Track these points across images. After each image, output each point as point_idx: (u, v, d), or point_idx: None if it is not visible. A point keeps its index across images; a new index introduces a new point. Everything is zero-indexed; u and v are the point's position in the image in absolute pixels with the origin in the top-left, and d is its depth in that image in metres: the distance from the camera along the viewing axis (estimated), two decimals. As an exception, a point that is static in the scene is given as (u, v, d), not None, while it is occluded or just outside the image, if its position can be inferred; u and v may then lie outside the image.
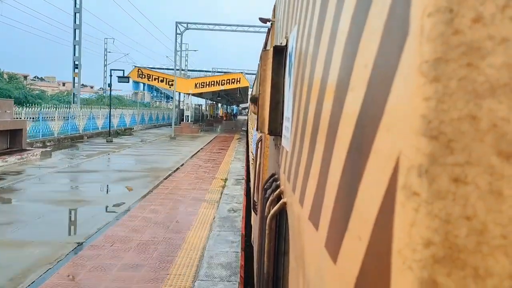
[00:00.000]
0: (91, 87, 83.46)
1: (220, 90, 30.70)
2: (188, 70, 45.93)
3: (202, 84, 28.99)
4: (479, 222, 0.34)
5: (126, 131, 27.75)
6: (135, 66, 29.96)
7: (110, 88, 26.10)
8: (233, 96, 50.49)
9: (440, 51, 0.36)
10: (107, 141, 21.01)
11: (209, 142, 21.21)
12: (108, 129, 24.17)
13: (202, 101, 55.84)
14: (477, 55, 0.34)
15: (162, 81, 29.44)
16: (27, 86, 40.03)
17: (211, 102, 56.06)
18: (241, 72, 29.62)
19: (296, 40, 1.33)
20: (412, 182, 0.37)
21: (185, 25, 31.99)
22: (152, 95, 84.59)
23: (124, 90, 76.34)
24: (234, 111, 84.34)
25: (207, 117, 56.00)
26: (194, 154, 16.16)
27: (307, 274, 0.89)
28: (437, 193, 0.35)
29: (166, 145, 19.70)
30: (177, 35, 30.74)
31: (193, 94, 35.49)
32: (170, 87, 28.75)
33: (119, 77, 26.15)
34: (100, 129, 24.55)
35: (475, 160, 0.34)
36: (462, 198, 0.34)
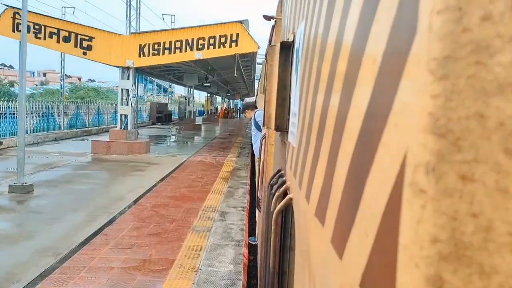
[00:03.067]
0: (79, 79, 71.89)
1: (195, 61, 15.76)
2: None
3: (156, 46, 13.43)
4: (486, 219, 0.34)
5: None
6: (7, 6, 13.60)
7: None
8: (233, 85, 35.56)
9: (448, 49, 0.36)
10: None
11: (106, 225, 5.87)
12: None
13: (181, 89, 37.10)
14: (486, 53, 0.34)
15: (67, 39, 13.31)
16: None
17: (208, 95, 40.64)
18: (240, 22, 13.38)
19: (303, 36, 1.33)
20: (419, 179, 0.37)
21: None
22: (146, 87, 65.31)
23: (112, 82, 60.15)
24: (239, 106, 63.89)
25: (203, 114, 39.99)
26: None
27: (313, 269, 0.90)
28: (444, 190, 0.36)
29: None
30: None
31: (145, 71, 20.08)
32: (84, 54, 13.85)
33: None
34: None
35: (482, 158, 0.34)
36: (469, 195, 0.35)
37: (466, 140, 0.35)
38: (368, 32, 0.56)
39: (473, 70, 0.35)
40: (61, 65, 26.21)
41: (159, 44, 13.72)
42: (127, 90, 14.34)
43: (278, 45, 1.76)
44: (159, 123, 29.86)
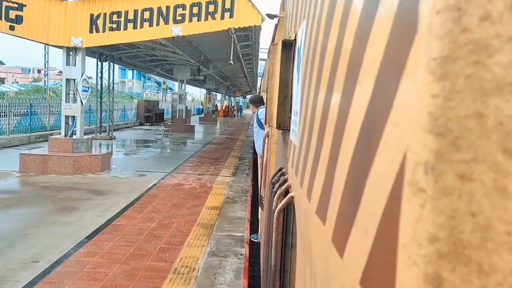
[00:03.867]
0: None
1: (172, 39, 11.65)
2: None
3: (115, 17, 9.09)
4: (484, 218, 0.34)
5: None
6: None
7: None
8: (233, 80, 32.48)
9: (448, 48, 0.36)
10: None
11: None
12: None
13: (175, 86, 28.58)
14: (485, 53, 0.35)
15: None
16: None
17: (209, 92, 37.03)
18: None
19: (305, 35, 1.33)
20: (418, 178, 0.38)
21: None
22: (144, 84, 63.98)
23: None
24: (241, 104, 62.47)
25: (202, 113, 35.84)
26: None
27: (314, 267, 0.90)
28: (443, 190, 0.36)
29: None
30: None
31: (122, 60, 16.80)
32: (12, 29, 9.04)
33: None
34: None
35: (481, 158, 0.35)
36: (468, 194, 0.35)
37: (465, 140, 0.35)
38: (369, 31, 0.57)
39: (472, 69, 0.35)
40: (45, 59, 23.80)
41: (119, 14, 9.21)
42: (74, 81, 9.47)
43: (280, 43, 1.76)
44: (147, 124, 25.96)
